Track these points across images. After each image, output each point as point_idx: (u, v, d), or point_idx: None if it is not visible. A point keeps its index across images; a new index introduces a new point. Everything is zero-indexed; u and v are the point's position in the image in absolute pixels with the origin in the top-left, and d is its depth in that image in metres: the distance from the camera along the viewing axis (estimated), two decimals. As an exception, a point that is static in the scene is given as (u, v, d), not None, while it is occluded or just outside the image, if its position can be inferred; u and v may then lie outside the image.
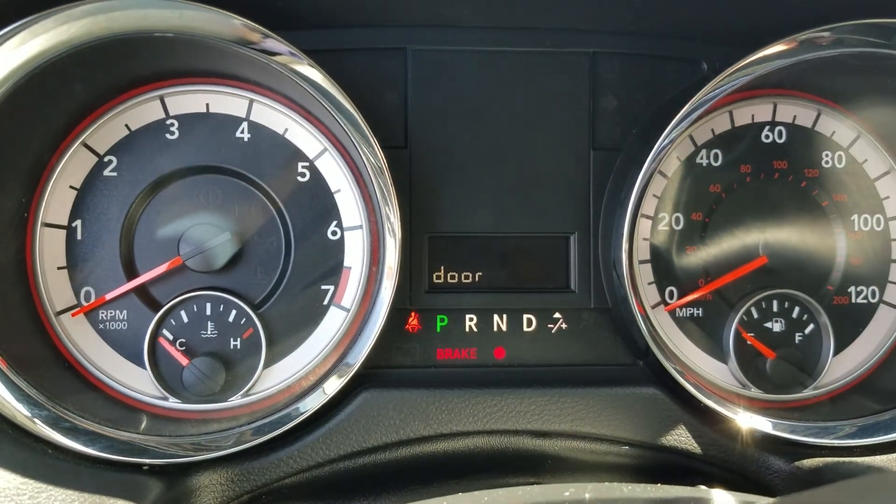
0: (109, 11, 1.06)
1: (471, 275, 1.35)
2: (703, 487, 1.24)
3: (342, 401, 1.21)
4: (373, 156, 1.19)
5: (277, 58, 1.13)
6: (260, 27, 1.12)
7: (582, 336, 1.36)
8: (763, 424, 1.22)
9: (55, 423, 1.09)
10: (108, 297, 1.24)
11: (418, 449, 1.23)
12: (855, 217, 1.40)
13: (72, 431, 1.10)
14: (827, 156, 1.40)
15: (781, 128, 1.39)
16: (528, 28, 1.33)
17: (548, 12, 1.30)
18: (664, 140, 1.22)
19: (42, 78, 1.06)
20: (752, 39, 1.23)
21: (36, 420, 1.07)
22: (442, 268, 1.35)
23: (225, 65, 1.22)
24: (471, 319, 1.35)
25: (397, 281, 1.21)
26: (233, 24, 1.11)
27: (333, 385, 1.18)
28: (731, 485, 1.27)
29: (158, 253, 1.26)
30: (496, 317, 1.35)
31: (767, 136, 1.39)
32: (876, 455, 1.23)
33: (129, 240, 1.26)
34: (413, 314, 1.33)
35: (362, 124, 1.18)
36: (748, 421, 1.22)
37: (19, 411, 1.06)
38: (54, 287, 1.24)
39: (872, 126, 1.40)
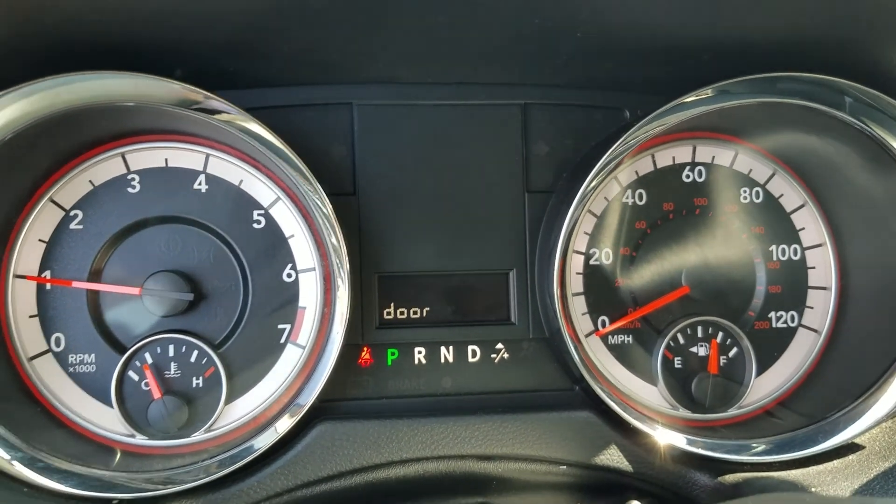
0: (69, 84, 1.15)
1: (418, 310, 1.44)
2: (635, 502, 1.34)
3: (300, 433, 1.29)
4: (322, 203, 1.27)
5: (225, 116, 1.22)
6: (206, 92, 1.20)
7: (522, 365, 1.45)
8: (678, 440, 1.31)
9: (30, 463, 1.17)
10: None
11: (371, 476, 1.31)
12: (773, 248, 1.50)
13: (46, 470, 1.18)
14: (745, 192, 1.50)
15: (701, 167, 1.49)
16: (465, 83, 1.43)
17: (482, 69, 1.40)
18: (590, 183, 1.30)
19: (9, 147, 1.15)
20: (670, 88, 1.33)
21: (14, 462, 1.15)
22: (391, 305, 1.43)
23: (182, 124, 1.30)
24: (419, 352, 1.43)
25: (349, 318, 1.29)
26: (180, 91, 1.20)
27: (285, 424, 1.26)
28: (663, 500, 1.36)
29: (123, 298, 1.34)
30: (443, 349, 1.43)
31: (688, 176, 1.48)
32: (790, 470, 1.31)
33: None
34: (365, 349, 1.42)
35: (309, 175, 1.26)
36: (665, 437, 1.31)
37: (-2, 455, 1.15)
38: (26, 334, 1.32)
39: (787, 163, 1.50)
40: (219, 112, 1.21)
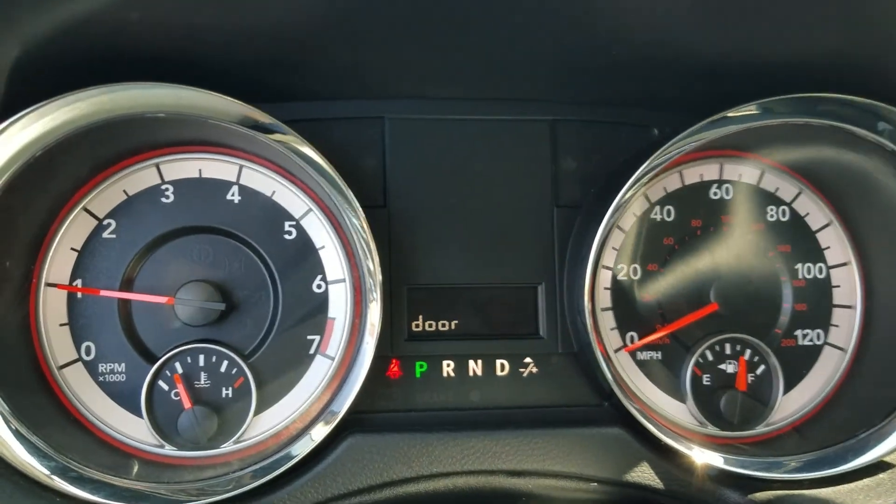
0: (111, 93, 1.16)
1: (447, 323, 1.44)
2: (664, 519, 1.34)
3: (329, 445, 1.28)
4: (354, 215, 1.28)
5: (270, 135, 1.23)
6: (254, 108, 1.22)
7: (551, 379, 1.45)
8: (716, 459, 1.31)
9: (63, 472, 1.16)
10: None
11: (401, 490, 1.30)
12: (799, 266, 1.51)
13: (78, 480, 1.17)
14: (771, 210, 1.51)
15: (728, 185, 1.50)
16: (495, 99, 1.45)
17: (511, 85, 1.42)
18: (621, 199, 1.32)
19: (49, 154, 1.16)
20: (695, 107, 1.35)
21: (53, 476, 1.15)
22: (420, 317, 1.44)
23: (216, 135, 1.32)
24: (448, 365, 1.43)
25: (379, 330, 1.29)
26: (231, 106, 1.22)
27: (320, 432, 1.26)
28: (692, 518, 1.37)
29: (154, 308, 1.34)
30: (471, 362, 1.44)
31: (716, 194, 1.50)
32: (821, 488, 1.31)
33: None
34: (394, 361, 1.42)
35: (343, 187, 1.27)
36: (702, 457, 1.31)
37: (31, 465, 1.14)
38: (57, 343, 1.32)
39: (813, 182, 1.52)
40: (269, 131, 1.23)
